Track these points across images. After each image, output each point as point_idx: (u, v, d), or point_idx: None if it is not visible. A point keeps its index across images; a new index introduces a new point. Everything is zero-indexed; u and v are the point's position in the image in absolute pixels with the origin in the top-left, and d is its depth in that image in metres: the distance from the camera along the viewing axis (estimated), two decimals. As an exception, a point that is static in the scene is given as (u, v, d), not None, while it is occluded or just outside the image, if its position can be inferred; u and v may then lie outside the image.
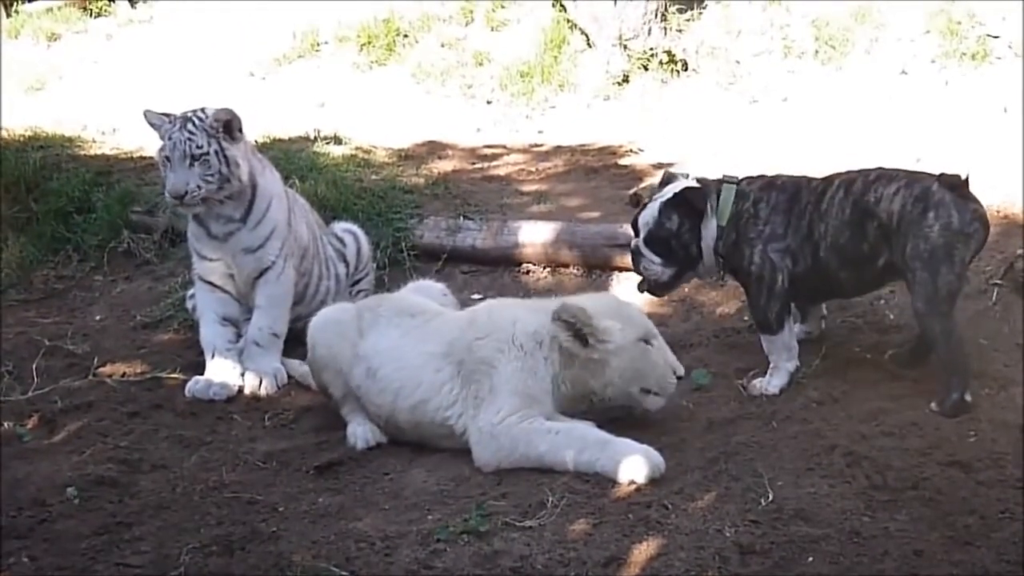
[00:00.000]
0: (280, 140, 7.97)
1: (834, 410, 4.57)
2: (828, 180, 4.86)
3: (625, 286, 6.15)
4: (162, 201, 5.64)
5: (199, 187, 5.36)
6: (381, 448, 4.72)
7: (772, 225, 4.85)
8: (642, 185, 6.95)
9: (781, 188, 4.92)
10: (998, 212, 5.88)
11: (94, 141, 8.18)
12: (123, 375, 5.65)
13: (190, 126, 5.38)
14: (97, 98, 9.57)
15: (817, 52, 8.63)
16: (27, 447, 4.95)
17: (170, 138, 5.39)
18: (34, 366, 5.71)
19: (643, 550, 3.74)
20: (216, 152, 5.38)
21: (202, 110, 5.46)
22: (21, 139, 8.06)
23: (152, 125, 5.49)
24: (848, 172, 4.86)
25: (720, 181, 5.01)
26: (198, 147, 5.35)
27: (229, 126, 5.43)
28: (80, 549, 4.09)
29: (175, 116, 5.45)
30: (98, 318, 6.46)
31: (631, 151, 7.91)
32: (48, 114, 8.82)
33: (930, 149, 6.65)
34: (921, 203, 4.51)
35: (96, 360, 5.81)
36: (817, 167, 6.62)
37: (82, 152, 8.00)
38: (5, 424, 5.17)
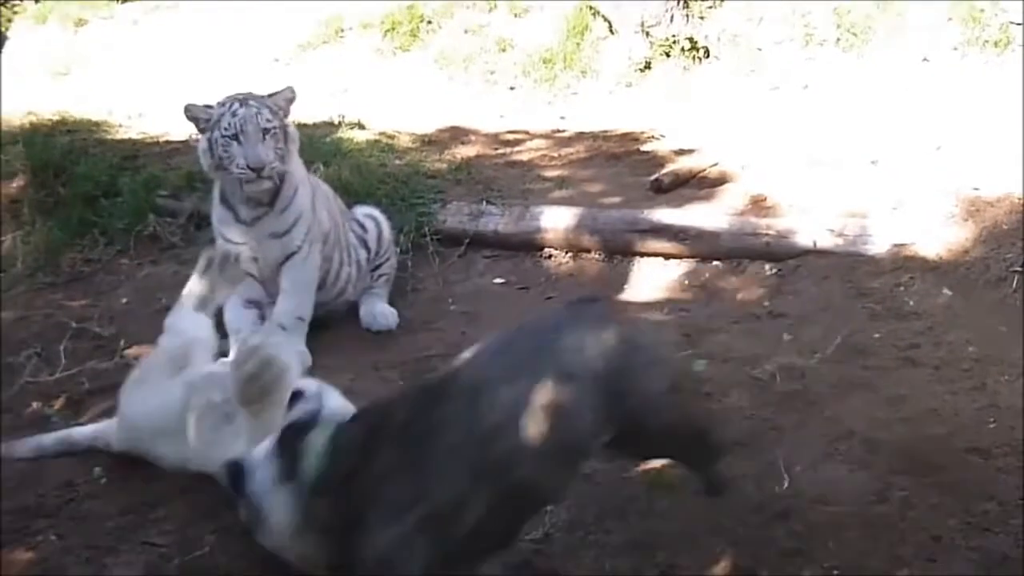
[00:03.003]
0: (304, 125, 7.98)
1: (852, 396, 4.59)
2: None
3: (647, 271, 6.18)
4: (205, 198, 5.65)
5: (274, 160, 5.41)
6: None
7: None
8: (664, 171, 6.96)
9: None
10: (1019, 200, 5.89)
11: (120, 126, 8.22)
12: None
13: (252, 103, 5.41)
14: (123, 83, 9.63)
15: (839, 40, 8.62)
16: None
17: (235, 115, 5.39)
18: (61, 348, 5.75)
19: (661, 535, 3.78)
20: (280, 128, 5.44)
21: (250, 93, 5.50)
22: (49, 124, 8.10)
23: (197, 118, 5.51)
24: None
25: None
26: (268, 120, 5.39)
27: (290, 104, 5.51)
28: (106, 528, 4.14)
29: (224, 100, 5.48)
30: (124, 301, 6.49)
31: (653, 137, 7.91)
32: (75, 99, 8.86)
33: (951, 137, 6.65)
34: None
35: (122, 342, 5.84)
36: (837, 154, 6.68)
37: (108, 137, 8.04)
38: (33, 405, 5.23)
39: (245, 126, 5.39)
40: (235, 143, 5.40)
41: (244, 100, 5.43)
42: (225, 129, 5.41)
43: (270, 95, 5.49)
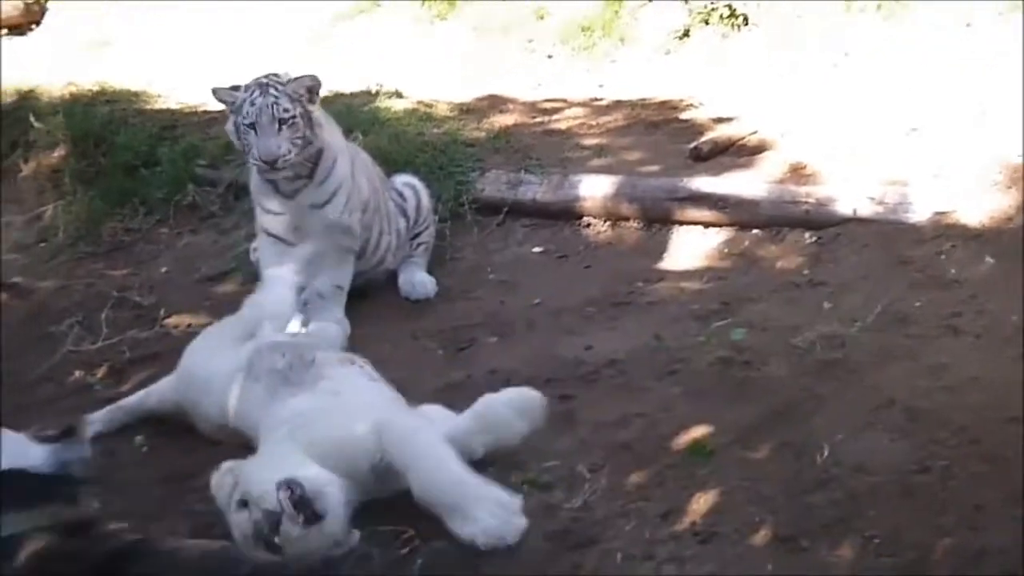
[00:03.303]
0: (342, 95, 7.99)
1: (892, 365, 4.56)
2: None
3: (686, 239, 6.16)
4: (243, 168, 5.67)
5: (289, 151, 5.39)
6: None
7: None
8: (703, 139, 6.92)
9: None
10: (1066, 168, 5.82)
11: (159, 96, 8.24)
12: (188, 326, 5.73)
13: (273, 91, 5.39)
14: (162, 54, 9.63)
15: (879, 6, 8.52)
16: (97, 396, 5.06)
17: (253, 104, 5.39)
18: (103, 317, 5.81)
19: (700, 503, 3.79)
20: (302, 115, 5.41)
21: (275, 75, 5.49)
22: (89, 94, 8.13)
23: (224, 101, 5.54)
24: None
25: None
26: (285, 110, 5.38)
27: (312, 91, 5.47)
28: (148, 496, 4.19)
29: (248, 84, 5.48)
30: (164, 270, 6.54)
31: (692, 105, 7.87)
32: (114, 70, 8.88)
33: (994, 103, 6.58)
34: None
35: (162, 311, 5.90)
36: (878, 122, 6.63)
37: (148, 107, 8.06)
38: (76, 374, 5.28)
39: (260, 117, 5.39)
40: (252, 132, 5.42)
41: (265, 87, 5.42)
42: (244, 117, 5.43)
43: (292, 80, 5.47)
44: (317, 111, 5.54)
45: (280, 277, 5.06)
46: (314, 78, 5.51)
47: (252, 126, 5.40)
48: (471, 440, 4.05)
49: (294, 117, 5.40)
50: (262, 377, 4.32)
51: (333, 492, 3.71)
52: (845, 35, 8.35)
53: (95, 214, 7.04)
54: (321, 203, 5.62)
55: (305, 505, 3.60)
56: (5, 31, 10.23)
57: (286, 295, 4.97)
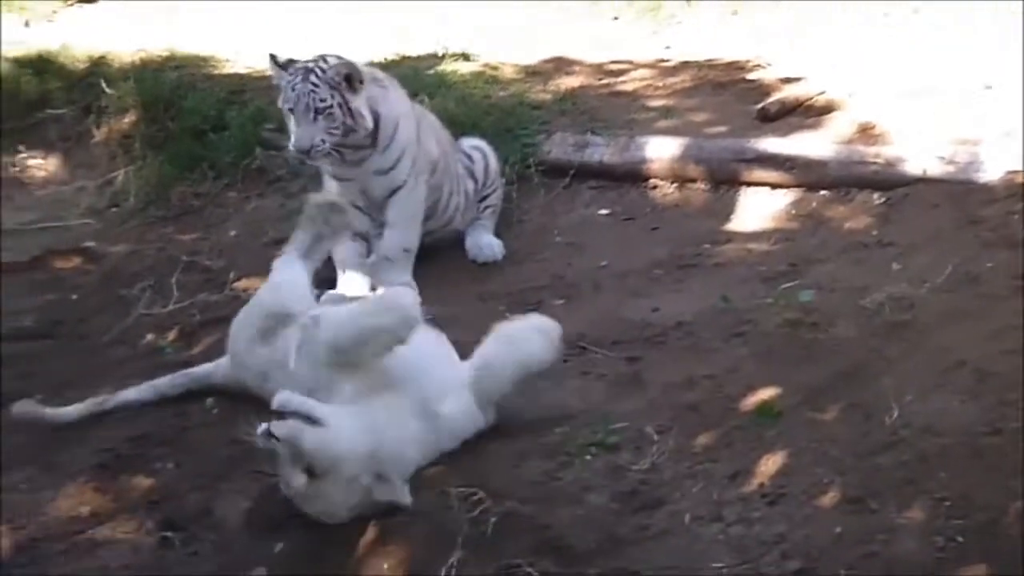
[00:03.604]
0: (408, 58, 8.01)
1: (963, 326, 4.51)
2: None
3: (753, 200, 6.13)
4: (288, 152, 5.70)
5: (323, 141, 5.41)
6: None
7: None
8: (770, 100, 6.88)
9: None
10: None
11: (227, 61, 8.28)
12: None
13: (312, 78, 5.39)
14: (228, 19, 9.67)
15: (951, -39, 8.42)
16: (168, 359, 5.12)
17: (293, 90, 5.42)
18: (173, 281, 5.88)
19: (768, 464, 3.78)
20: (340, 105, 5.41)
21: (323, 59, 5.49)
22: (158, 60, 8.19)
23: (273, 78, 5.59)
24: None
25: None
26: (322, 100, 5.38)
27: (350, 79, 5.45)
28: (219, 457, 4.26)
29: (295, 67, 5.48)
30: (232, 234, 6.59)
31: (759, 66, 7.81)
32: (182, 35, 8.94)
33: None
34: None
35: (231, 275, 5.95)
36: (949, 80, 6.55)
37: (216, 72, 8.11)
38: (147, 337, 5.35)
39: (298, 105, 5.41)
40: (292, 118, 5.47)
41: (307, 73, 5.42)
42: (285, 101, 5.47)
43: (331, 67, 5.44)
44: (358, 100, 5.47)
45: (286, 260, 4.99)
46: (349, 65, 5.47)
47: (291, 111, 5.45)
48: (497, 364, 4.13)
49: (331, 107, 5.40)
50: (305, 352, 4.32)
51: (345, 451, 3.73)
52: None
53: (165, 179, 7.11)
54: (386, 169, 5.65)
55: (299, 458, 3.66)
56: (77, -1, 10.33)
57: (298, 272, 4.93)
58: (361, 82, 5.49)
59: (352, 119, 5.44)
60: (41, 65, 8.14)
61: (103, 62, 8.22)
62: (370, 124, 5.51)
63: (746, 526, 3.54)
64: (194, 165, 7.15)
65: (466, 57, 8.17)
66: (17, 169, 7.54)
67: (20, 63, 8.16)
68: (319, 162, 5.58)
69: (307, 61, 5.50)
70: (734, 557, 3.42)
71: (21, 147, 7.67)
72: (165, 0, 10.29)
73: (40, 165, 7.61)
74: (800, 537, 3.44)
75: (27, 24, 9.80)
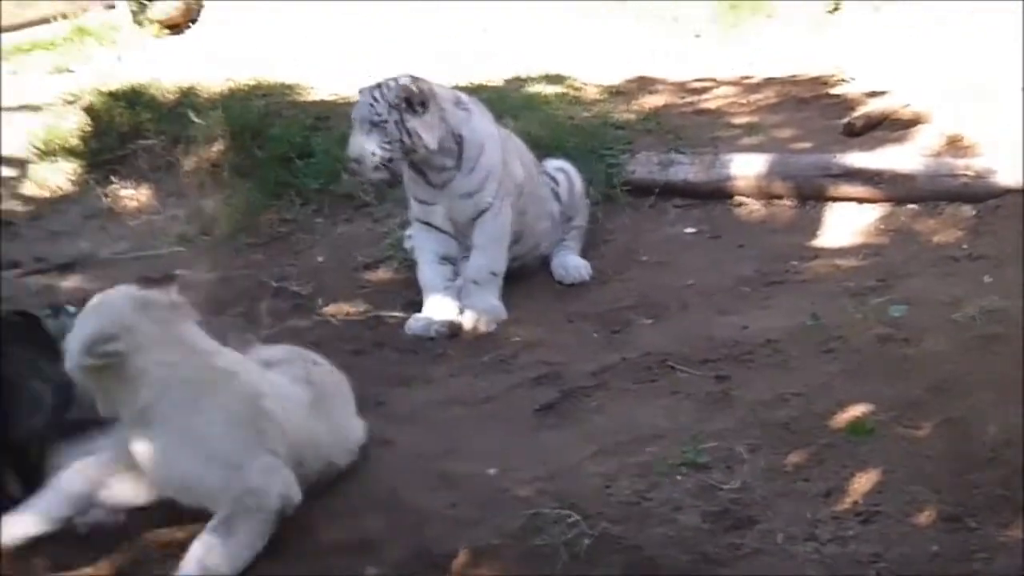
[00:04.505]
0: (493, 81, 8.04)
1: (1059, 339, 4.45)
2: None
3: (840, 216, 6.09)
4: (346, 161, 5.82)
5: (374, 153, 5.51)
6: (601, 386, 4.76)
7: None
8: (855, 114, 6.84)
9: None
10: None
11: (312, 88, 8.36)
12: (346, 314, 5.83)
13: (375, 93, 5.54)
14: (311, 49, 9.76)
15: (1041, -29, 8.32)
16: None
17: (357, 104, 5.60)
18: (263, 307, 5.93)
19: (861, 482, 3.74)
20: (396, 123, 5.49)
21: (393, 79, 5.58)
22: (245, 88, 8.29)
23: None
24: None
25: None
26: (377, 114, 5.50)
27: (410, 100, 5.51)
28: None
29: (367, 85, 5.63)
30: (320, 259, 6.64)
31: (843, 80, 7.77)
32: (268, 64, 9.03)
33: None
34: None
35: (320, 300, 6.00)
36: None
37: (301, 99, 8.20)
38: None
39: (355, 116, 5.60)
40: (352, 130, 5.60)
41: (371, 90, 5.57)
42: (351, 116, 5.63)
43: (392, 88, 5.54)
44: (418, 120, 5.52)
45: None
46: (406, 88, 5.53)
47: (352, 123, 5.61)
48: None
49: (385, 122, 5.49)
50: None
51: None
52: (1002, 2, 8.15)
53: (253, 206, 7.17)
54: (472, 191, 5.68)
55: None
56: (166, 30, 10.47)
57: None
58: (423, 104, 5.54)
59: (409, 139, 5.51)
60: (132, 97, 8.26)
61: (191, 92, 8.32)
62: (433, 145, 5.55)
63: (840, 545, 3.50)
64: (281, 192, 7.22)
65: (548, 78, 8.20)
66: (110, 199, 7.65)
67: (113, 95, 8.28)
68: (373, 176, 5.65)
69: (382, 79, 5.63)
70: (830, 576, 3.39)
71: (114, 178, 7.77)
72: (250, 30, 10.40)
73: (132, 195, 7.70)
74: (896, 556, 3.40)
75: (119, 58, 9.95)
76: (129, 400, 3.69)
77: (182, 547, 3.56)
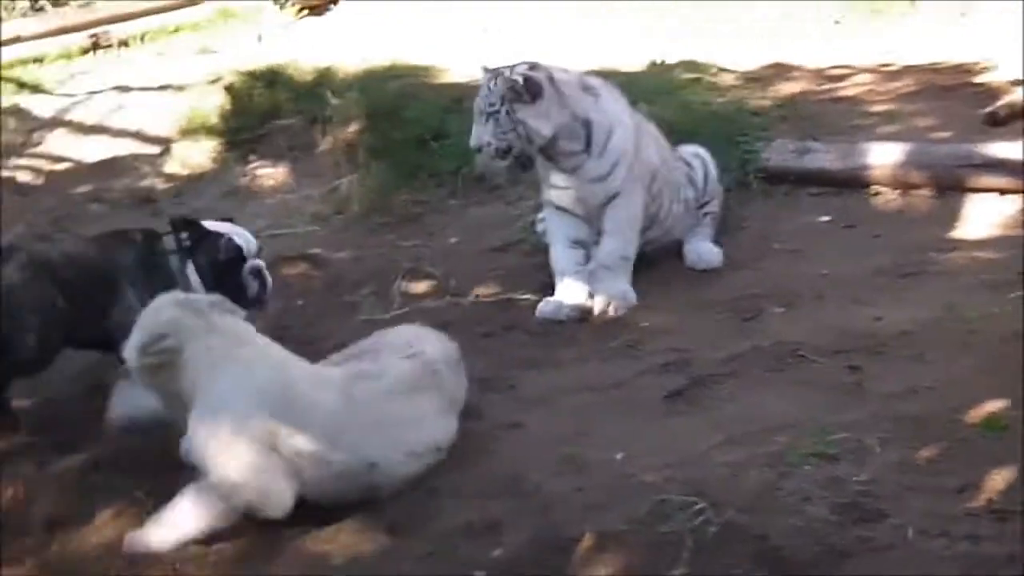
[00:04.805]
0: (626, 66, 8.02)
1: None
2: None
3: (980, 207, 5.98)
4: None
5: (489, 143, 5.55)
6: (731, 374, 4.73)
7: None
8: (999, 103, 6.69)
9: None
10: None
11: (447, 70, 8.41)
12: (477, 296, 5.87)
13: (492, 84, 5.56)
14: (446, 31, 9.80)
15: None
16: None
17: (479, 92, 5.63)
18: (395, 287, 6.00)
19: (996, 480, 3.66)
20: (506, 113, 5.51)
21: (510, 68, 5.59)
22: (381, 70, 8.37)
23: None
24: None
25: None
26: (490, 104, 5.53)
27: (517, 91, 5.50)
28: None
29: (489, 72, 5.64)
30: (452, 241, 6.70)
31: (986, 68, 7.62)
32: (404, 46, 9.10)
33: None
34: None
35: (452, 281, 6.05)
36: None
37: (436, 81, 8.26)
38: (370, 342, 5.46)
39: (474, 106, 5.63)
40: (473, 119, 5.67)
41: (488, 79, 5.60)
42: (474, 103, 5.66)
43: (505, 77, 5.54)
44: (529, 111, 5.50)
45: None
46: (513, 81, 5.51)
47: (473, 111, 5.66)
48: None
49: (497, 112, 5.52)
50: None
51: None
52: None
53: (387, 186, 7.25)
54: (602, 176, 5.67)
55: None
56: (306, 12, 10.63)
57: None
58: (535, 94, 5.52)
59: (520, 128, 5.52)
60: (271, 77, 8.41)
61: (329, 73, 8.44)
62: (547, 133, 5.55)
63: (974, 543, 3.44)
64: (415, 173, 7.29)
65: (684, 64, 8.15)
66: (248, 178, 7.79)
67: (253, 76, 8.43)
68: (496, 164, 5.72)
69: (502, 66, 5.65)
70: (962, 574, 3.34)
71: (252, 156, 7.92)
72: (387, 11, 10.50)
73: (269, 174, 7.85)
74: (1032, 557, 3.34)
75: (259, 39, 10.12)
76: (185, 390, 3.99)
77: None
